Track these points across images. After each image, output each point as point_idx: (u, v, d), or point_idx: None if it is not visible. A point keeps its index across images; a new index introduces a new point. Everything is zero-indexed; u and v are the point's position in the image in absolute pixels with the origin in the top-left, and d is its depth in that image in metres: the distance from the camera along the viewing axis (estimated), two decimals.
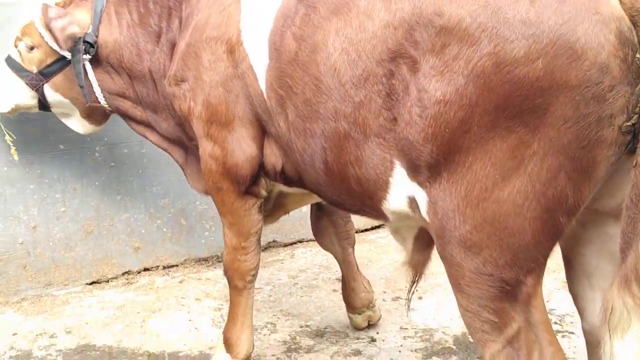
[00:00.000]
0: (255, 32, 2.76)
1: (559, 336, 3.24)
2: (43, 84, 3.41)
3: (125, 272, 4.31)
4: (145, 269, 4.36)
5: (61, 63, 3.36)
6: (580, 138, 2.05)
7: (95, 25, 3.25)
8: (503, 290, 2.27)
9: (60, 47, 3.26)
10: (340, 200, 2.74)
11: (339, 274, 3.80)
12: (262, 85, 2.73)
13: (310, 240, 4.68)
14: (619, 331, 2.18)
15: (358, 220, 3.77)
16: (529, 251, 2.22)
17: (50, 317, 3.89)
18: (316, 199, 3.27)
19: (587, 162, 2.10)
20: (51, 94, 3.43)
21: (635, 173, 2.08)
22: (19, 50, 3.39)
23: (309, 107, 2.54)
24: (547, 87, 2.02)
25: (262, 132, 2.90)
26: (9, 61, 3.42)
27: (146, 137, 3.53)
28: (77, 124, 3.61)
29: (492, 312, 2.30)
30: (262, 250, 4.54)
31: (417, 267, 2.75)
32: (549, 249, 2.25)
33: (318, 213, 3.70)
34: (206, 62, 2.91)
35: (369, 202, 2.56)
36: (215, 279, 4.29)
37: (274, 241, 4.65)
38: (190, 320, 3.84)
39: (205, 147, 3.01)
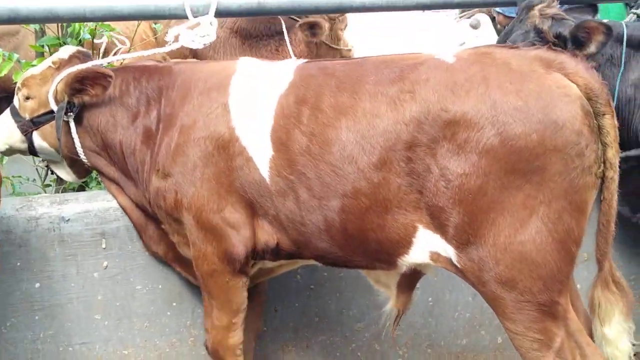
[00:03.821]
0: (253, 130, 3.21)
1: None
2: (32, 131, 3.74)
3: None
4: None
5: (50, 115, 3.68)
6: (573, 185, 2.80)
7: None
8: (542, 312, 2.88)
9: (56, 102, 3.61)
10: (351, 259, 3.24)
11: None
12: (265, 173, 3.18)
13: None
14: (606, 320, 3.02)
15: None
16: (555, 276, 2.86)
17: None
18: (284, 269, 3.71)
19: (581, 202, 2.84)
20: (39, 141, 3.77)
21: (603, 205, 2.97)
22: (18, 97, 3.75)
23: (326, 189, 3.05)
24: (542, 152, 2.77)
25: (253, 215, 3.28)
26: (12, 106, 3.80)
27: (114, 196, 3.80)
28: (63, 172, 3.95)
29: (537, 332, 2.90)
30: None
31: (402, 306, 3.45)
32: (570, 272, 2.93)
33: None
34: (196, 159, 3.29)
35: (385, 257, 3.12)
36: None
37: None
38: None
39: (198, 235, 3.34)
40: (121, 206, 3.83)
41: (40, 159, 4.19)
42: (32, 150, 3.88)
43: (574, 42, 3.76)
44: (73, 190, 4.17)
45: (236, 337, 3.51)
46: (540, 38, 3.81)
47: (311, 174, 3.08)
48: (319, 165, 3.06)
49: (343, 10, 4.59)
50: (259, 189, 3.23)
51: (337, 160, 3.02)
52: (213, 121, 3.30)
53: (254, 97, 3.30)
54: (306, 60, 3.50)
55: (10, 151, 3.97)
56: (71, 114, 3.65)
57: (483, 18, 7.05)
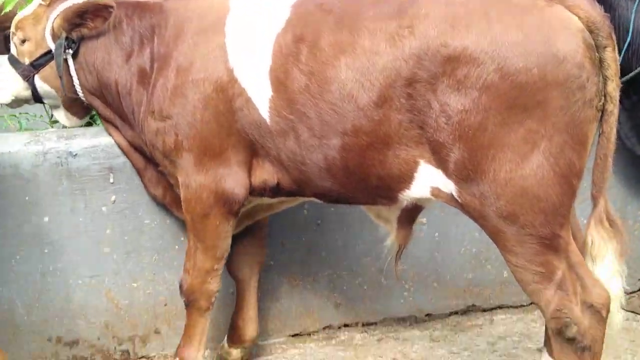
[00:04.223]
0: (252, 70, 3.20)
1: None
2: (33, 75, 3.71)
3: (326, 327, 4.43)
4: (345, 325, 4.47)
5: (49, 55, 3.65)
6: (574, 119, 2.78)
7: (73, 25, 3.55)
8: (544, 245, 2.88)
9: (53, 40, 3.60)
10: (352, 196, 3.26)
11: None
12: (264, 114, 3.17)
13: (512, 306, 4.60)
14: (598, 259, 2.99)
15: None
16: (556, 210, 2.86)
17: None
18: (285, 206, 3.75)
19: (582, 136, 2.82)
20: (40, 85, 3.75)
21: (601, 138, 2.92)
22: (14, 43, 3.72)
23: (326, 127, 3.05)
24: (543, 86, 2.74)
25: (251, 156, 3.31)
26: (9, 55, 3.77)
27: (111, 136, 3.79)
28: (62, 116, 3.95)
29: (539, 265, 2.91)
30: (461, 314, 4.55)
31: (403, 241, 3.47)
32: (570, 206, 2.93)
33: (239, 234, 3.77)
34: (196, 101, 3.27)
35: (386, 193, 3.14)
36: (413, 339, 4.32)
37: (473, 305, 4.60)
38: None
39: (195, 177, 3.34)
40: (120, 148, 3.83)
41: None
42: (36, 97, 3.86)
43: None
44: (80, 126, 4.17)
45: (215, 283, 3.53)
46: None
47: (311, 113, 3.07)
48: (318, 104, 3.05)
49: None
50: (260, 130, 3.23)
51: (336, 98, 3.01)
52: (211, 62, 3.27)
53: (250, 36, 3.25)
54: None
55: (17, 102, 3.95)
56: (70, 50, 3.62)
57: None
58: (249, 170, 3.34)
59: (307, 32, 3.10)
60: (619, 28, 3.84)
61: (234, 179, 3.33)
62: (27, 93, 3.84)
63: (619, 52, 3.71)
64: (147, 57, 3.51)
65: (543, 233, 2.88)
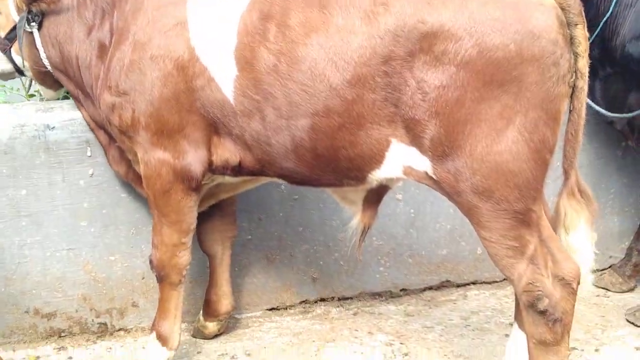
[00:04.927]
0: (214, 49, 3.15)
1: None
2: (9, 48, 3.77)
3: (303, 301, 4.48)
4: (322, 299, 4.52)
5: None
6: (549, 94, 2.83)
7: None
8: (517, 220, 2.93)
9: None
10: (318, 178, 3.23)
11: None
12: (228, 93, 3.13)
13: (485, 282, 4.68)
14: (571, 228, 3.09)
15: None
16: (530, 184, 2.90)
17: (233, 338, 4.12)
18: (249, 186, 3.73)
19: (555, 111, 2.87)
20: (15, 57, 3.80)
21: (572, 114, 2.99)
22: None
23: (295, 108, 3.02)
24: (519, 62, 2.78)
25: (212, 134, 3.27)
26: None
27: (79, 111, 3.81)
28: (41, 89, 4.03)
29: (512, 239, 2.95)
30: (435, 290, 4.62)
31: (369, 221, 3.47)
32: (543, 180, 2.97)
33: (208, 211, 3.83)
34: (154, 79, 3.22)
35: (355, 174, 3.12)
36: (388, 314, 4.38)
37: (447, 281, 4.67)
38: (362, 353, 3.95)
39: (153, 154, 3.32)
40: (87, 123, 3.82)
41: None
42: (17, 69, 3.88)
43: None
44: (58, 98, 4.16)
45: (185, 257, 3.52)
46: None
47: (279, 94, 3.03)
48: (287, 85, 3.01)
49: None
50: (222, 109, 3.18)
51: (307, 78, 2.97)
52: (172, 39, 3.21)
53: (214, 14, 3.20)
54: None
55: (5, 76, 3.98)
56: (34, 24, 3.62)
57: None
58: (209, 148, 3.30)
59: (274, 10, 3.05)
60: None
61: (192, 156, 3.29)
62: (9, 66, 3.86)
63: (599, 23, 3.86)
64: (106, 31, 3.48)
65: (517, 208, 2.92)
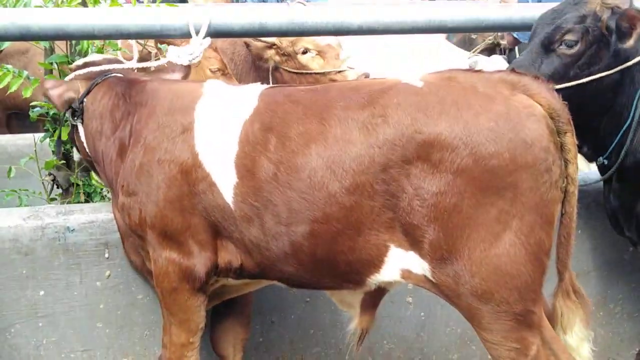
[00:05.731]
0: (217, 156, 3.25)
1: None
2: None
3: None
4: None
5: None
6: (543, 199, 2.94)
7: (84, 94, 3.74)
8: (518, 321, 2.99)
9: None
10: (318, 281, 3.31)
11: None
12: (229, 199, 3.22)
13: None
14: (567, 328, 3.18)
15: None
16: (529, 287, 2.98)
17: None
18: (251, 288, 3.76)
19: (549, 215, 2.98)
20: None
21: (564, 218, 3.11)
22: None
23: (294, 215, 3.09)
24: (514, 169, 2.90)
25: (215, 236, 3.33)
26: None
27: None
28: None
29: (514, 341, 3.01)
30: None
31: (367, 325, 3.49)
32: (542, 282, 3.04)
33: (223, 311, 3.87)
34: (160, 181, 3.33)
35: (354, 278, 3.19)
36: None
37: None
38: None
39: (161, 253, 3.40)
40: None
41: (46, 173, 4.42)
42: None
43: (618, 34, 3.68)
44: (78, 202, 4.29)
45: (193, 357, 3.55)
46: (596, 27, 3.72)
47: (278, 201, 3.12)
48: (286, 193, 3.09)
49: (342, 33, 4.68)
50: (223, 214, 3.27)
51: (306, 187, 3.06)
52: (178, 145, 3.33)
53: (218, 122, 3.33)
54: (270, 85, 3.55)
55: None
56: (76, 118, 3.81)
57: (481, 60, 7.12)
58: (215, 251, 3.37)
59: (276, 121, 3.17)
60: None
61: (197, 257, 3.36)
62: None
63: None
64: (127, 132, 3.62)
65: (517, 309, 2.98)
